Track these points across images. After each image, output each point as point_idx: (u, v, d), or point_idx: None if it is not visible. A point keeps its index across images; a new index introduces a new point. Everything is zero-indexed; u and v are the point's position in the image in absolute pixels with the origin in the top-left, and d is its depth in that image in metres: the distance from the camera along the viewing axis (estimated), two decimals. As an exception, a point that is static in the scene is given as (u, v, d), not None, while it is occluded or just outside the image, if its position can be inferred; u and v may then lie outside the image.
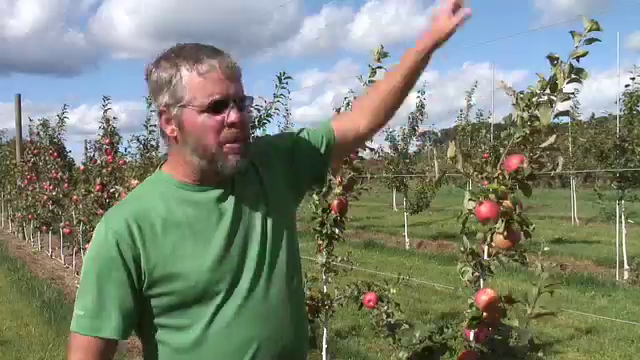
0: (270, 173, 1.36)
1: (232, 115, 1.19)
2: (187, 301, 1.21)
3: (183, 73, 1.19)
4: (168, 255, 1.21)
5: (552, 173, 1.55)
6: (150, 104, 5.38)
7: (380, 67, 2.66)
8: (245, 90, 1.26)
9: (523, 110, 1.48)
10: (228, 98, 1.19)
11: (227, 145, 1.20)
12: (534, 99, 1.47)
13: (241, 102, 1.22)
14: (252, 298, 1.24)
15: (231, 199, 1.28)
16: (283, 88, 3.40)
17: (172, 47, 1.25)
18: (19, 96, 8.85)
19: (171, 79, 1.20)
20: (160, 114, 1.24)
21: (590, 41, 1.41)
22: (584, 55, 1.41)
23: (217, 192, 1.27)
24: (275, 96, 3.41)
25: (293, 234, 1.37)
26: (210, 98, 1.18)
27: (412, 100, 9.95)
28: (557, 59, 1.43)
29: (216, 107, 1.18)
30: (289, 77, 3.37)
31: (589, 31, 1.40)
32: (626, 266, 7.46)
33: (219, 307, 1.22)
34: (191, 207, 1.25)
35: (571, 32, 1.41)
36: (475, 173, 1.61)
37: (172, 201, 1.25)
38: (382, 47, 2.63)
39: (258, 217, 1.30)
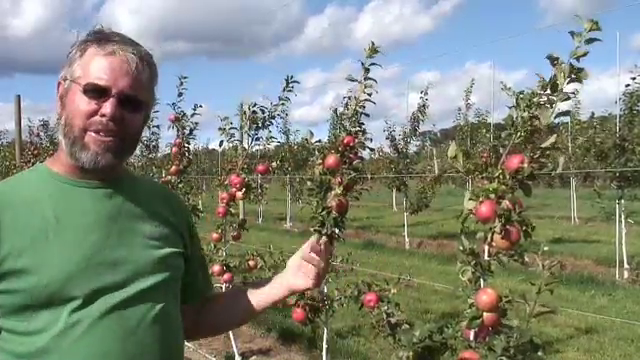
0: (174, 217, 1.28)
1: (107, 107, 1.10)
2: (36, 303, 1.07)
3: (87, 48, 1.14)
4: (24, 248, 1.07)
5: (553, 173, 1.55)
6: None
7: (373, 64, 2.67)
8: (154, 99, 1.23)
9: (524, 110, 1.48)
10: (111, 89, 1.11)
11: (90, 133, 1.11)
12: (535, 99, 1.47)
13: (130, 102, 1.13)
14: (112, 311, 1.10)
15: (115, 201, 1.17)
16: (290, 91, 3.40)
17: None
18: (19, 97, 8.82)
19: (76, 53, 1.15)
20: (57, 87, 1.18)
21: (590, 41, 1.41)
22: (584, 55, 1.41)
23: (101, 190, 1.17)
24: (280, 99, 3.41)
25: (179, 263, 1.25)
26: (91, 80, 1.11)
27: (414, 100, 9.97)
28: (557, 59, 1.43)
29: (93, 93, 1.11)
30: (296, 81, 3.37)
31: (589, 31, 1.39)
32: (626, 265, 7.48)
33: (72, 315, 1.08)
34: (64, 200, 1.14)
35: (571, 32, 1.41)
36: (476, 172, 1.61)
37: (42, 191, 1.14)
38: (373, 43, 2.63)
39: (141, 229, 1.19)
